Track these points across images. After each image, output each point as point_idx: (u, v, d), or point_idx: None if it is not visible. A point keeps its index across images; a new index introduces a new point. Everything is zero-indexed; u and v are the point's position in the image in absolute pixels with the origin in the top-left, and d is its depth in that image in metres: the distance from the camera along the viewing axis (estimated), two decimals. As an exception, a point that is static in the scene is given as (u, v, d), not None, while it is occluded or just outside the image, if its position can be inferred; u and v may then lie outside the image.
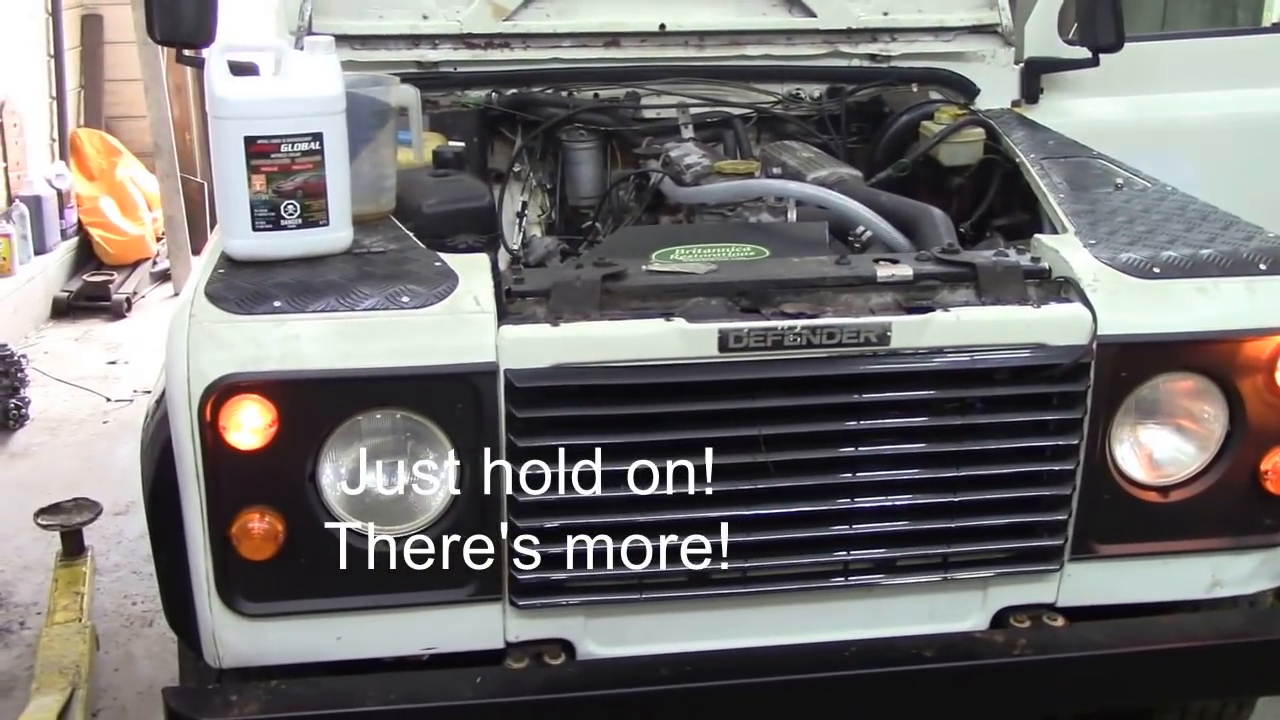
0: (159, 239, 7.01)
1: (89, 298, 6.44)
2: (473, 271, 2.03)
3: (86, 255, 6.82)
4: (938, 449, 2.06)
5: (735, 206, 2.56)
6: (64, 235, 6.65)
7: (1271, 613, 2.32)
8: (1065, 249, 2.18)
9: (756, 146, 3.03)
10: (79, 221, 6.80)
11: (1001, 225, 2.83)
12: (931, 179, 2.92)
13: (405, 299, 1.95)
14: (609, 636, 2.10)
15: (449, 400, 1.94)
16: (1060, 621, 2.19)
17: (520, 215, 3.05)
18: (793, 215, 2.52)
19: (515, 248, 2.87)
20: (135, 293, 6.57)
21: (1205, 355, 2.11)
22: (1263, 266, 2.16)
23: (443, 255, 2.10)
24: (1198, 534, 2.20)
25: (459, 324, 1.93)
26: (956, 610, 2.19)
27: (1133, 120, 3.45)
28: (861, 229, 2.43)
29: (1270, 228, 2.38)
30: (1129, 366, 2.08)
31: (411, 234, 2.24)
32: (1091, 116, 3.34)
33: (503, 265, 2.71)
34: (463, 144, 2.74)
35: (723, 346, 1.96)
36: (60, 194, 6.62)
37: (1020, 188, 2.77)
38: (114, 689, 3.26)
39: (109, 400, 5.19)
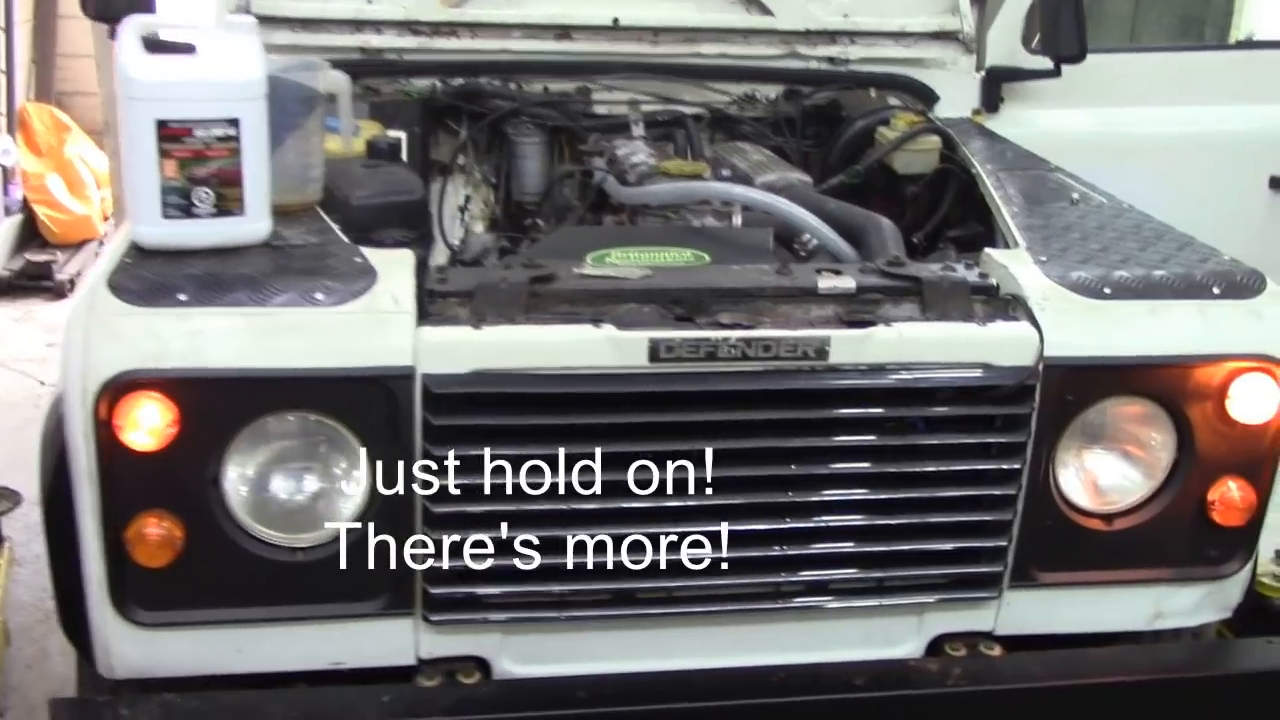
0: (106, 219, 6.85)
1: (31, 277, 6.28)
2: (394, 269, 1.93)
3: (31, 233, 6.66)
4: (876, 470, 1.98)
5: (679, 209, 2.47)
6: (8, 212, 6.49)
7: (1214, 646, 2.26)
8: (1014, 265, 2.10)
9: (708, 147, 2.94)
10: (24, 198, 6.63)
11: (955, 237, 2.76)
12: (885, 187, 2.84)
13: (320, 295, 1.85)
14: (527, 655, 2.01)
15: (362, 404, 1.84)
16: (997, 651, 2.12)
17: (463, 209, 2.94)
18: (738, 220, 2.43)
19: (455, 243, 2.77)
20: (79, 273, 6.41)
21: (1154, 380, 2.04)
22: (1216, 290, 2.08)
23: (365, 251, 2.00)
24: (1141, 564, 2.14)
25: (375, 324, 1.83)
26: (891, 636, 2.12)
27: (1093, 133, 3.39)
28: (807, 237, 2.35)
29: (1228, 248, 2.32)
30: (1076, 389, 2.00)
31: (336, 227, 2.13)
32: (1052, 128, 3.28)
33: (442, 259, 2.63)
34: (402, 134, 2.64)
35: (653, 356, 1.87)
36: (5, 170, 6.46)
37: (975, 199, 2.70)
38: (24, 687, 3.14)
39: (43, 384, 5.04)
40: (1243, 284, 2.10)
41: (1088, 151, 3.13)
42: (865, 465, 1.98)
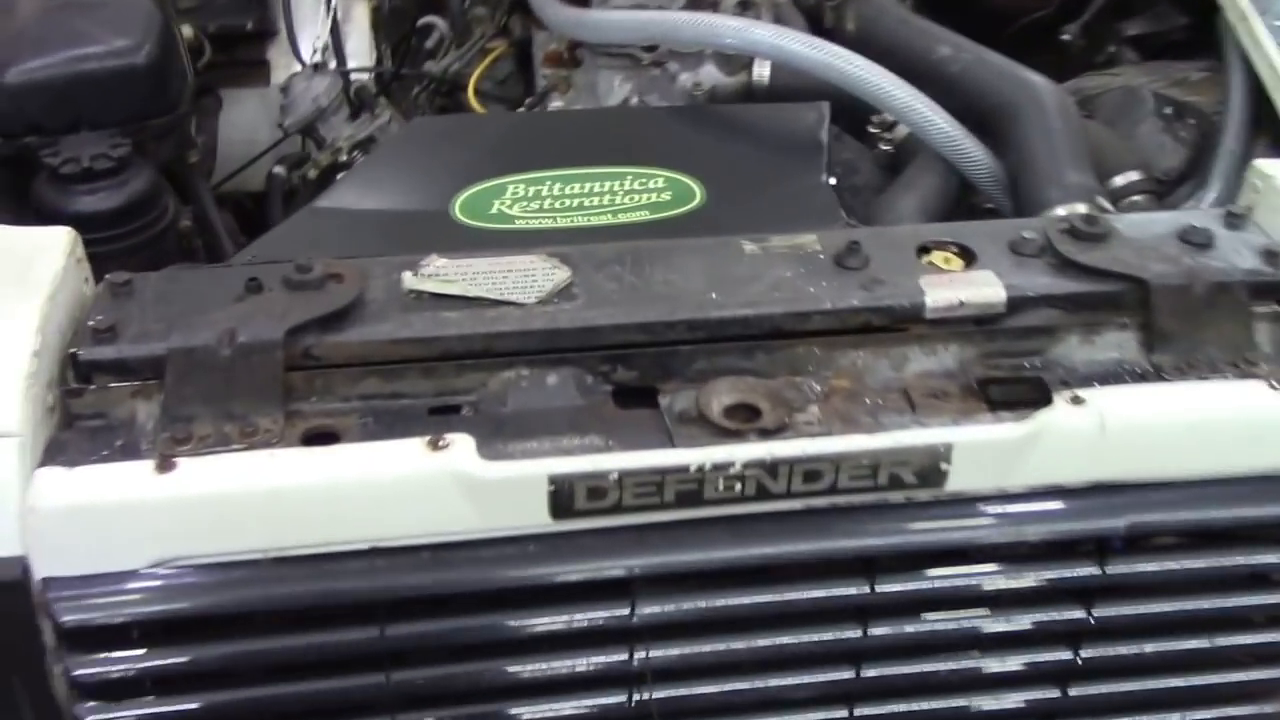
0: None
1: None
2: (6, 297, 0.89)
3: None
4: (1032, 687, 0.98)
5: (655, 47, 1.35)
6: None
7: None
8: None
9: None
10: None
11: (1136, 36, 1.65)
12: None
13: None
14: None
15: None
16: None
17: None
18: (762, 71, 1.32)
19: (311, 59, 1.67)
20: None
21: None
22: None
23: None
24: None
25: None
26: None
27: None
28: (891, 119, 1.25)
29: None
30: None
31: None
32: None
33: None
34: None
35: (561, 509, 0.85)
36: None
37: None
38: None
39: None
40: None
41: None
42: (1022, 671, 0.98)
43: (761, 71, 1.34)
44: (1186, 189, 1.40)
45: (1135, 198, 1.32)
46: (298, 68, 1.71)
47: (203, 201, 1.31)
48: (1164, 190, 1.38)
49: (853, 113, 1.28)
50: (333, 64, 1.71)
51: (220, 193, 1.70)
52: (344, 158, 1.46)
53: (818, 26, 1.36)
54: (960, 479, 0.88)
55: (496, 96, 1.64)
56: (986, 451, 0.88)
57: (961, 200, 1.26)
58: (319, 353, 0.88)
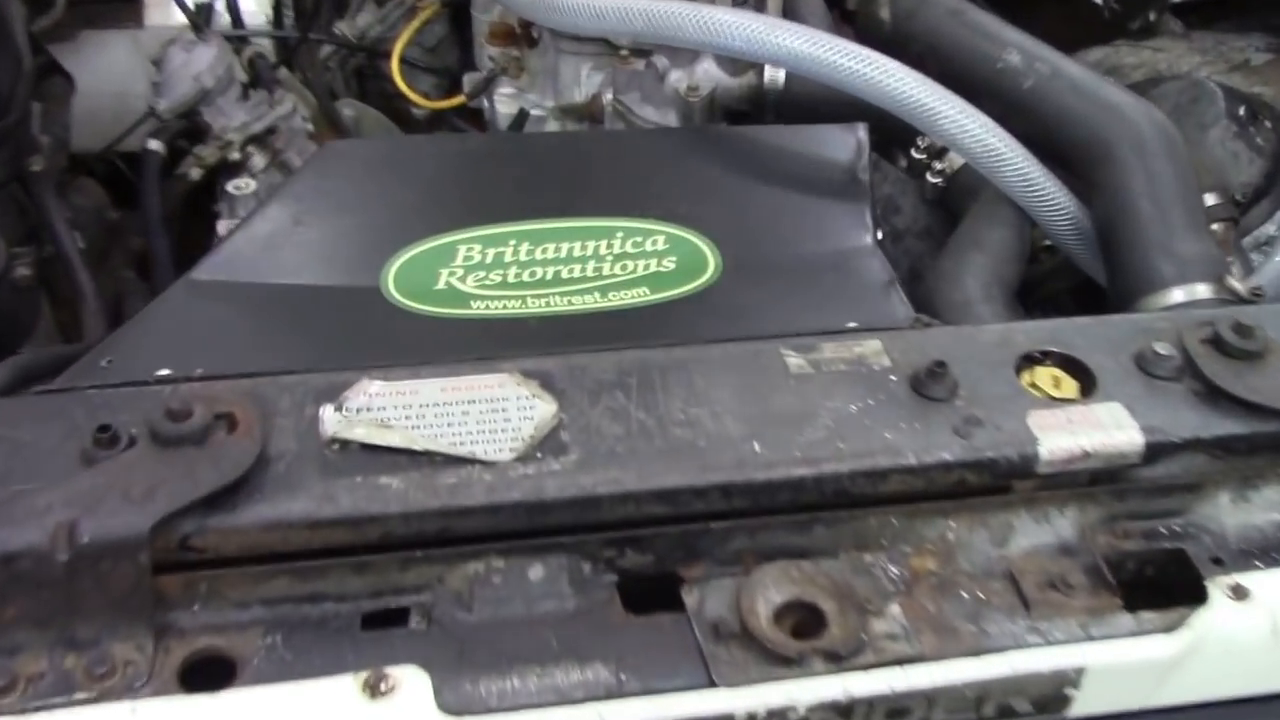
0: None
1: None
2: None
3: None
4: None
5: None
6: None
7: None
8: None
9: None
10: None
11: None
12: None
13: None
14: None
15: None
16: None
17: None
18: (775, 73, 1.05)
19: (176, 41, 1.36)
20: None
21: None
22: None
23: None
24: None
25: None
26: None
27: None
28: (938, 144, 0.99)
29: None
30: None
31: None
32: None
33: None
34: None
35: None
36: None
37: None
38: None
39: None
40: None
41: None
42: None
43: (775, 74, 1.07)
44: (1264, 207, 1.18)
45: (1212, 226, 1.09)
46: (175, 10, 1.42)
47: (54, 225, 1.01)
48: (1240, 213, 1.15)
49: (887, 126, 1.02)
50: (220, 2, 1.42)
51: (88, 155, 1.43)
52: (235, 155, 1.17)
53: (838, 10, 1.10)
54: (1088, 704, 0.66)
55: (426, 67, 1.35)
56: (1125, 673, 0.65)
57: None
58: (203, 544, 0.62)
